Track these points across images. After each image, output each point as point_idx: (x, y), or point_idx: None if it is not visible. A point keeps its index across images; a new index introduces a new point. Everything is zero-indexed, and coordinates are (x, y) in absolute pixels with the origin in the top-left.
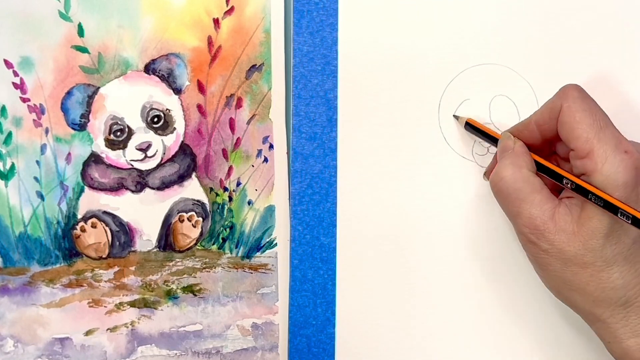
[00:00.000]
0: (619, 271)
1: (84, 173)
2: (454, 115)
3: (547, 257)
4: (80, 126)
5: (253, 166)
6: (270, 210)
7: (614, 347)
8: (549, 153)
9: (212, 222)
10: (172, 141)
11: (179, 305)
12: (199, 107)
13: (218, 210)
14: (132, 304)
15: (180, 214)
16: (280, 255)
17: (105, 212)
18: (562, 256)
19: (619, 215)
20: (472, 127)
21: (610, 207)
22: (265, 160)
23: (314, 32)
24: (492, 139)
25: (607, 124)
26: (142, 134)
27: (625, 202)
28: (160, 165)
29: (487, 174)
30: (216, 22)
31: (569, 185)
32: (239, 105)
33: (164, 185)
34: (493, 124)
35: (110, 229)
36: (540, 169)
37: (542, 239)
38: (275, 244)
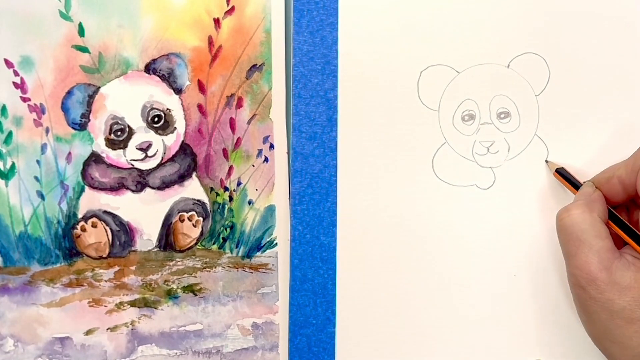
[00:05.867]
0: None
1: (84, 172)
2: (545, 161)
3: (594, 305)
4: (81, 126)
5: (253, 166)
6: (270, 210)
7: None
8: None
9: (213, 221)
10: (172, 141)
11: (179, 304)
12: (200, 106)
13: (218, 210)
14: (133, 304)
15: (180, 213)
16: (281, 255)
17: (105, 212)
18: (610, 307)
19: None
20: (561, 175)
21: None
22: (266, 160)
23: (314, 32)
24: (575, 188)
25: None
26: (142, 134)
27: None
28: (160, 164)
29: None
30: (217, 21)
31: None
32: (239, 105)
33: (164, 185)
34: (493, 124)
35: (111, 229)
36: (616, 223)
37: (592, 286)
38: (276, 244)
